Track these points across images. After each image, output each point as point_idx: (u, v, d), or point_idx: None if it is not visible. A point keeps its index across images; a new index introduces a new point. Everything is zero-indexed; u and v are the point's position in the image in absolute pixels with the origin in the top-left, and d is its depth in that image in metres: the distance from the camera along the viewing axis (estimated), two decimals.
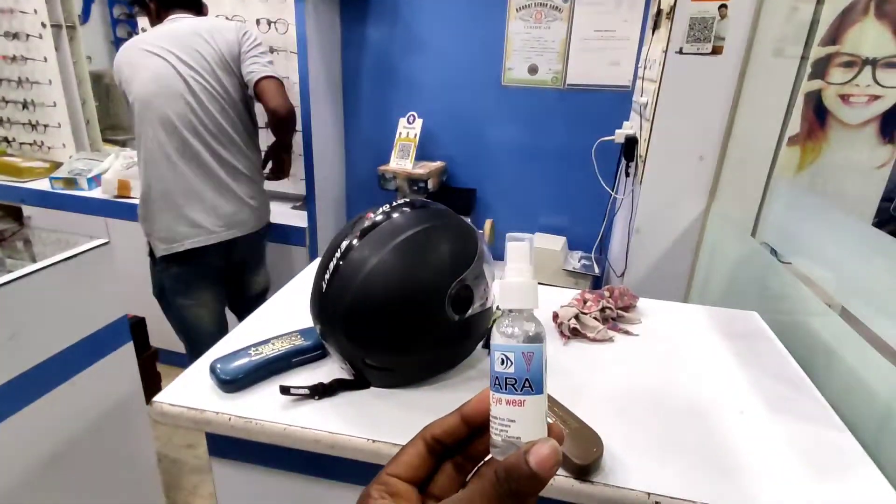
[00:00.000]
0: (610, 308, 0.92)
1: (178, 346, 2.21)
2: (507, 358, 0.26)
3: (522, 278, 0.29)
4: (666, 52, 1.36)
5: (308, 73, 1.87)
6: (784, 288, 1.06)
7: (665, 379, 0.77)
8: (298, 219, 2.06)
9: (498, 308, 0.85)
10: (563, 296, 0.99)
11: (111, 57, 2.85)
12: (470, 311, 0.72)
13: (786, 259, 1.13)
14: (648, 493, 0.56)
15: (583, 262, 1.90)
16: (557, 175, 2.02)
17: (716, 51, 1.35)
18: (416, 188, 1.93)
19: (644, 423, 0.67)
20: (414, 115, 2.00)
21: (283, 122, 1.47)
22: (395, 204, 0.75)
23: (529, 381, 0.26)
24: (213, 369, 0.71)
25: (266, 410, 0.67)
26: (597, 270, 1.84)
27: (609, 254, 1.89)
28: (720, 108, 1.37)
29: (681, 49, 1.35)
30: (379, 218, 0.72)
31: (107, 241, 1.27)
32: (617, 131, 1.67)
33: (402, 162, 1.97)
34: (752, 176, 1.32)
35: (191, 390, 0.70)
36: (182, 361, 2.27)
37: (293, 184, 2.19)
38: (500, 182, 2.11)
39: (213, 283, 1.59)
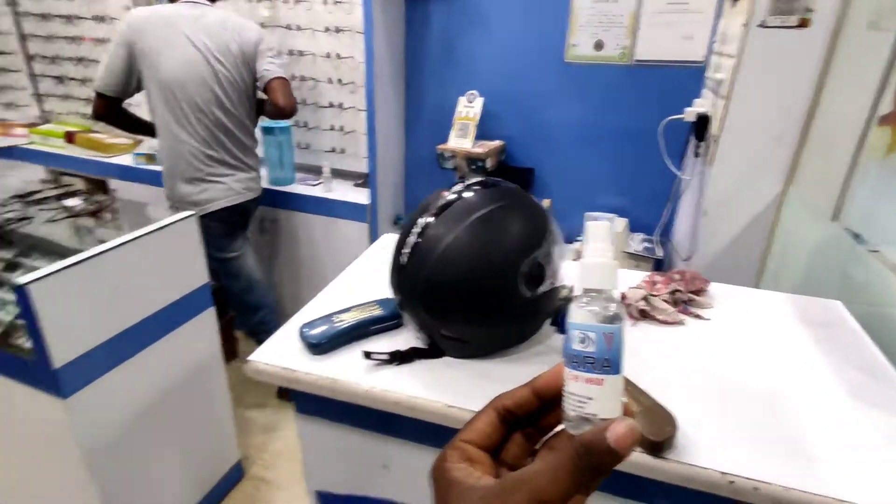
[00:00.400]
0: (681, 291, 0.91)
1: None
2: (588, 337, 0.27)
3: (603, 259, 0.29)
4: (747, 25, 1.29)
5: (374, 54, 1.90)
6: (869, 276, 1.01)
7: (739, 363, 0.76)
8: (360, 196, 2.12)
9: (565, 287, 0.86)
10: (631, 277, 0.99)
11: None
12: (541, 289, 0.73)
13: (872, 246, 1.07)
14: (723, 472, 0.57)
15: (644, 244, 1.86)
16: (620, 155, 1.97)
17: (802, 24, 1.27)
18: (474, 167, 1.94)
19: (718, 404, 0.68)
20: (474, 94, 2.00)
21: (284, 116, 1.75)
22: (468, 183, 0.77)
23: (609, 361, 0.27)
24: (301, 333, 0.77)
25: (349, 373, 0.72)
26: (659, 253, 1.80)
27: (673, 237, 1.85)
28: (804, 86, 1.30)
29: (763, 22, 1.28)
30: (453, 196, 0.75)
31: (192, 213, 1.36)
32: (687, 109, 1.61)
33: (461, 141, 1.98)
34: (835, 158, 1.24)
35: (281, 351, 0.77)
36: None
37: (355, 161, 2.26)
38: (559, 162, 2.08)
39: (240, 236, 1.86)
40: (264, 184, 2.20)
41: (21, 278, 0.99)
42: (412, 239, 0.73)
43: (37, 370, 1.07)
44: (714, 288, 0.98)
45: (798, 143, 1.35)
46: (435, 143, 2.05)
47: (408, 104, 2.25)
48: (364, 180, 2.22)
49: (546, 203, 1.98)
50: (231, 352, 1.61)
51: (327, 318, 0.79)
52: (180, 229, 1.34)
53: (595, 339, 0.27)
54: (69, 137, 2.57)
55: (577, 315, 0.28)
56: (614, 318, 0.27)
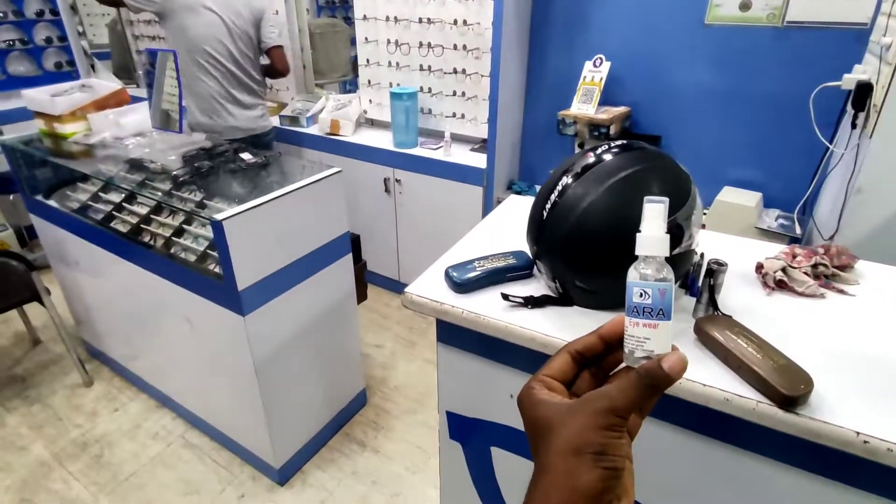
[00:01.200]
0: (825, 265, 0.89)
1: (371, 265, 2.59)
2: (646, 292, 0.34)
3: (657, 232, 0.36)
4: None
5: (502, 18, 1.94)
6: None
7: (884, 339, 0.75)
8: (477, 160, 2.21)
9: (697, 252, 0.88)
10: (766, 249, 0.98)
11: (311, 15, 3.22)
12: (677, 249, 0.77)
13: None
14: (857, 432, 0.59)
15: (780, 221, 1.75)
16: (759, 125, 1.84)
17: None
18: (596, 134, 1.93)
19: (855, 372, 0.68)
20: (601, 58, 1.97)
21: (280, 77, 2.40)
22: (612, 145, 0.82)
23: (662, 310, 0.34)
24: (447, 274, 0.88)
25: (491, 309, 0.82)
26: (798, 231, 1.68)
27: (815, 214, 1.71)
28: None
29: None
30: (594, 159, 0.80)
31: (339, 169, 1.54)
32: (845, 76, 1.46)
33: (583, 107, 1.97)
34: None
35: (430, 288, 0.89)
36: (372, 278, 2.63)
37: (474, 127, 2.35)
38: (688, 130, 1.99)
39: None
40: (390, 146, 2.38)
41: (218, 215, 1.22)
42: (553, 197, 0.80)
43: (225, 291, 1.31)
44: (862, 265, 0.94)
45: None
46: (556, 110, 2.06)
47: (530, 70, 2.27)
48: (482, 145, 2.30)
49: None
50: (362, 295, 1.81)
51: (469, 263, 0.89)
52: (329, 183, 1.52)
53: (651, 293, 0.34)
54: None
55: (634, 275, 0.35)
56: (666, 278, 0.34)
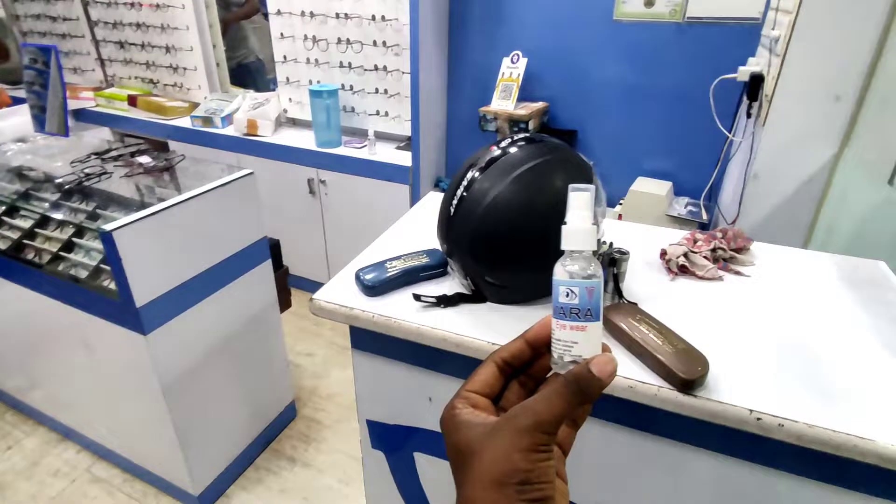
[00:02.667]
0: (723, 248, 0.93)
1: (299, 270, 2.49)
2: (572, 291, 0.31)
3: (583, 224, 0.32)
4: None
5: (419, 15, 1.91)
6: None
7: (775, 317, 0.79)
8: (403, 158, 2.17)
9: (604, 242, 0.90)
10: (670, 235, 1.01)
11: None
12: None
13: None
14: (751, 410, 0.61)
15: (689, 208, 1.84)
16: (668, 116, 1.93)
17: None
18: (516, 129, 1.95)
19: (750, 351, 0.71)
20: (518, 55, 1.99)
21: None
22: (515, 139, 0.81)
23: (591, 311, 0.31)
24: (357, 277, 0.84)
25: (401, 313, 0.79)
26: (704, 217, 1.78)
27: (720, 200, 1.82)
28: (865, 42, 1.24)
29: None
30: (499, 152, 0.79)
31: (251, 171, 1.45)
32: (741, 68, 1.56)
33: (503, 103, 1.98)
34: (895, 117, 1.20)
35: (340, 292, 0.84)
36: (301, 284, 2.54)
37: (398, 124, 2.31)
38: (603, 124, 2.06)
39: None
40: (313, 146, 2.29)
41: (107, 225, 1.11)
42: (460, 192, 0.78)
43: (122, 309, 1.20)
44: (757, 247, 0.99)
45: (857, 103, 1.30)
46: (477, 106, 2.07)
47: (451, 66, 2.26)
48: (407, 143, 2.26)
49: None
50: (286, 302, 1.73)
51: (381, 264, 0.86)
52: (240, 186, 1.43)
53: (578, 293, 0.31)
54: (131, 100, 2.72)
55: (561, 273, 0.31)
56: (594, 275, 0.31)
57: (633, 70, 1.93)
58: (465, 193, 0.77)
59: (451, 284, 0.87)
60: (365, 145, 2.25)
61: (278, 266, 1.67)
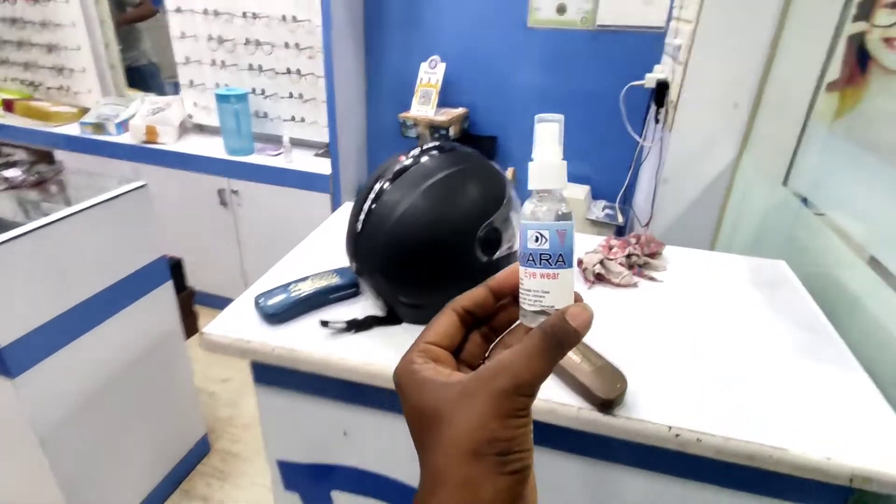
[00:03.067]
0: (636, 255, 0.93)
1: (214, 288, 2.31)
2: (542, 235, 0.28)
3: (553, 159, 0.29)
4: None
5: (331, 16, 1.82)
6: (813, 239, 1.05)
7: (689, 323, 0.79)
8: (322, 165, 2.07)
9: None
10: (588, 242, 1.01)
11: None
12: (498, 254, 0.74)
13: (818, 210, 1.12)
14: (669, 427, 0.59)
15: (606, 211, 1.89)
16: (583, 122, 1.98)
17: None
18: (437, 136, 1.92)
19: (667, 363, 0.70)
20: (436, 60, 1.96)
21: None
22: (425, 147, 0.76)
23: (562, 256, 0.28)
24: (257, 303, 0.76)
25: (307, 342, 0.71)
26: (620, 220, 1.83)
27: (634, 203, 1.88)
28: (758, 52, 1.32)
29: None
30: (410, 161, 0.74)
31: (144, 183, 1.30)
32: (647, 76, 1.62)
33: (423, 108, 1.94)
34: (787, 123, 1.28)
35: (237, 323, 0.75)
36: (216, 303, 2.36)
37: (316, 130, 2.20)
38: (523, 129, 2.07)
39: None
40: (224, 154, 2.13)
41: None
42: (367, 205, 0.72)
43: None
44: (668, 251, 1.00)
45: (752, 108, 1.38)
46: (398, 111, 2.01)
47: (369, 70, 2.18)
48: (326, 150, 2.16)
49: (510, 172, 1.98)
50: (192, 326, 1.58)
51: (284, 287, 0.78)
52: (132, 200, 1.28)
53: (549, 237, 0.28)
54: (7, 105, 2.40)
55: (529, 214, 0.28)
56: (566, 216, 0.28)
57: (549, 76, 1.96)
58: (372, 207, 0.71)
59: (365, 306, 0.80)
60: (280, 153, 2.13)
61: (182, 288, 1.52)
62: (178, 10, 2.19)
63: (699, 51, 1.34)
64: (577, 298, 0.29)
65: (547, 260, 0.28)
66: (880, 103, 1.33)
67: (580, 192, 1.90)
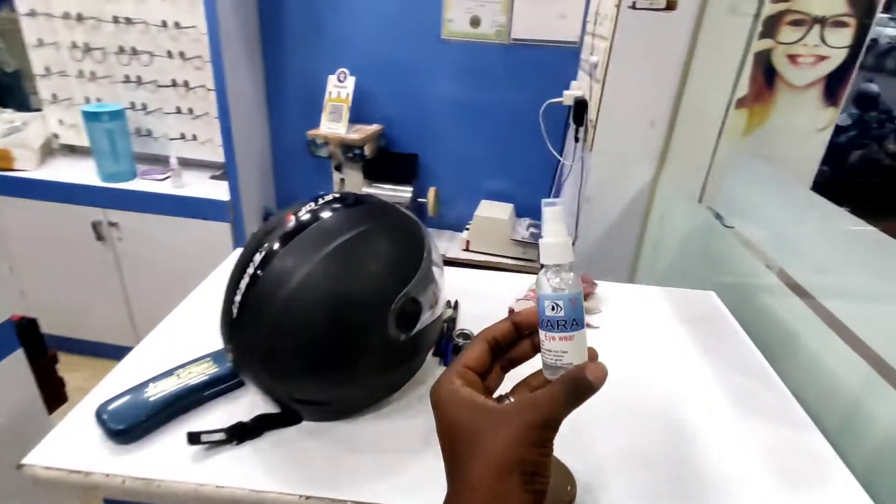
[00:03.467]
0: None
1: (98, 336, 1.99)
2: (558, 305, 0.32)
3: (560, 238, 0.33)
4: (619, 6, 1.25)
5: (218, 22, 1.61)
6: (727, 252, 1.04)
7: (631, 381, 0.71)
8: (219, 190, 1.84)
9: (449, 307, 0.75)
10: (516, 284, 0.91)
11: None
12: (418, 326, 0.61)
13: (728, 223, 1.11)
14: None
15: (531, 230, 1.83)
16: (504, 138, 1.91)
17: (670, 6, 1.25)
18: (351, 155, 1.76)
19: (613, 438, 0.61)
20: (345, 73, 1.80)
21: None
22: (323, 202, 0.61)
23: (576, 321, 0.32)
24: (99, 417, 0.57)
25: (171, 465, 0.54)
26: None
27: None
28: (673, 70, 1.30)
29: (634, 3, 1.25)
30: (304, 218, 0.59)
31: None
32: (566, 93, 1.57)
33: (333, 126, 1.78)
34: (701, 141, 1.27)
35: (74, 445, 0.56)
36: (103, 351, 2.04)
37: (211, 150, 1.95)
38: (443, 146, 1.96)
39: None
40: (94, 181, 1.82)
41: None
42: (247, 279, 0.56)
43: None
44: (602, 288, 0.93)
45: (669, 127, 1.36)
46: (307, 128, 1.83)
47: (269, 83, 1.98)
48: (222, 171, 1.93)
49: (432, 191, 1.87)
50: (58, 397, 1.30)
51: (139, 388, 0.60)
52: None
53: (563, 305, 0.32)
54: None
55: (545, 287, 0.33)
56: (575, 285, 0.33)
57: (467, 91, 1.86)
58: (254, 281, 0.56)
59: (254, 400, 0.64)
60: (168, 176, 1.86)
61: (40, 353, 1.24)
62: (33, 14, 1.85)
63: (615, 69, 1.30)
64: (592, 354, 0.33)
65: (563, 325, 0.32)
66: (785, 119, 1.37)
67: (503, 211, 1.83)
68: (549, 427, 0.30)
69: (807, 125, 1.36)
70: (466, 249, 1.83)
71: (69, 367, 1.46)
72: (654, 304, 0.92)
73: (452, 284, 0.89)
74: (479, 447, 0.30)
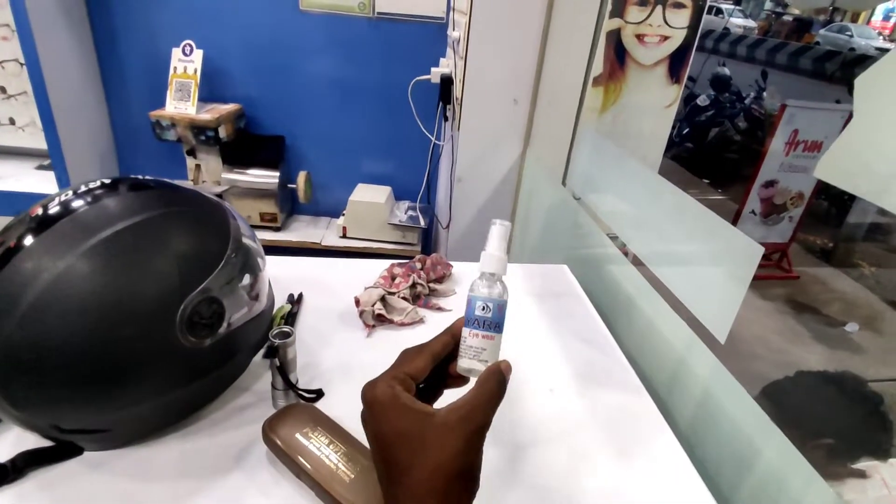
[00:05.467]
0: (421, 283, 0.81)
1: None
2: (488, 306, 0.37)
3: (499, 253, 0.39)
4: None
5: None
6: (584, 229, 1.07)
7: None
8: (44, 182, 1.57)
9: (292, 302, 0.68)
10: (367, 272, 0.85)
11: None
12: (225, 328, 0.53)
13: (579, 195, 1.14)
14: None
15: (409, 213, 1.79)
16: (377, 117, 1.83)
17: None
18: (203, 138, 1.59)
19: None
20: (191, 45, 1.61)
21: None
22: (87, 186, 0.51)
23: (498, 325, 0.38)
24: None
25: None
26: (423, 223, 1.75)
27: (436, 203, 1.81)
28: (531, 47, 1.31)
29: None
30: (62, 208, 0.48)
31: None
32: (433, 69, 1.53)
33: (181, 105, 1.59)
34: (561, 119, 1.30)
35: None
36: None
37: (30, 135, 1.67)
38: (313, 127, 1.85)
39: None
40: None
41: None
42: None
43: None
44: (458, 268, 0.91)
45: (531, 105, 1.37)
46: (150, 108, 1.62)
47: (101, 56, 1.72)
48: (50, 161, 1.65)
49: (303, 175, 1.75)
50: None
51: None
52: None
53: (492, 308, 0.37)
54: None
55: (480, 289, 0.38)
56: (503, 294, 0.38)
57: (334, 68, 1.76)
58: None
59: (18, 432, 0.52)
60: None
61: None
62: None
63: (476, 45, 1.28)
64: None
65: (488, 325, 0.37)
66: (637, 96, 1.44)
67: (381, 194, 1.76)
68: (486, 429, 0.33)
69: (656, 102, 1.45)
70: (344, 236, 1.75)
71: None
72: (512, 280, 0.91)
73: (302, 277, 0.81)
74: (424, 456, 0.31)
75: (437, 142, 1.62)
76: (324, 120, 1.83)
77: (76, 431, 0.49)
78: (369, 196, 1.75)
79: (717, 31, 9.30)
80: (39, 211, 0.48)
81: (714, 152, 4.46)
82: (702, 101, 4.50)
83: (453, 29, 1.50)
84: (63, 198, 0.49)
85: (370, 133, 1.86)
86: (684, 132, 4.54)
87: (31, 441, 0.51)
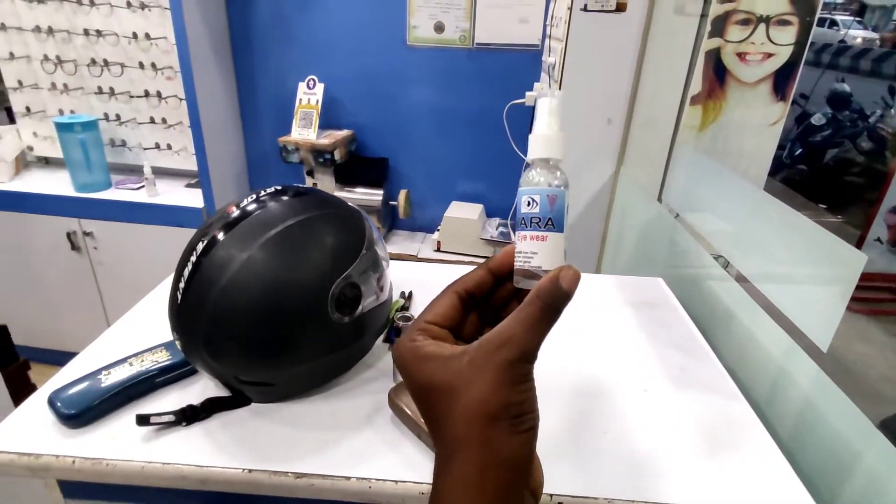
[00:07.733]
0: None
1: (77, 346, 1.98)
2: (533, 199, 0.30)
3: (550, 131, 0.31)
4: (571, 8, 1.30)
5: (186, 32, 1.64)
6: (682, 245, 1.08)
7: (574, 361, 0.75)
8: (193, 198, 1.86)
9: (403, 297, 0.78)
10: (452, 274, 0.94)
11: None
12: (360, 310, 0.64)
13: (676, 212, 1.15)
14: (551, 495, 0.53)
15: (500, 229, 1.87)
16: (472, 140, 1.95)
17: (619, 7, 1.31)
18: (321, 160, 1.79)
19: (550, 415, 0.64)
20: (314, 80, 1.84)
21: None
22: (265, 192, 0.65)
23: (552, 220, 0.30)
24: (52, 403, 0.59)
25: (121, 446, 0.57)
26: (513, 238, 1.82)
27: None
28: (626, 69, 1.35)
29: (585, 6, 1.30)
30: (248, 209, 0.62)
31: None
32: (528, 94, 1.62)
33: (304, 131, 1.81)
34: (657, 137, 1.32)
35: (27, 430, 0.58)
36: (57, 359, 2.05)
37: (185, 159, 1.98)
38: (413, 149, 2.00)
39: None
40: (69, 191, 1.84)
41: None
42: (190, 266, 0.59)
43: None
44: None
45: (626, 124, 1.41)
46: (279, 135, 1.86)
47: (241, 91, 2.01)
48: (197, 180, 1.95)
49: (403, 193, 1.90)
50: None
51: (91, 375, 0.62)
52: None
53: (539, 201, 0.30)
54: None
55: (524, 182, 0.31)
56: (557, 184, 0.30)
57: (434, 95, 1.91)
58: (195, 269, 0.59)
59: (206, 385, 0.67)
60: (142, 185, 1.88)
61: (11, 359, 1.26)
62: (3, 28, 1.87)
63: (571, 68, 1.35)
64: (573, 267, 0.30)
65: (537, 223, 0.30)
66: (738, 114, 1.42)
67: (473, 211, 1.87)
68: (526, 360, 0.28)
69: (758, 120, 1.42)
70: (438, 250, 1.87)
71: (44, 378, 1.46)
72: (606, 291, 0.95)
73: (410, 279, 0.92)
74: (454, 402, 0.27)
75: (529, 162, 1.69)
76: (424, 143, 1.98)
77: (250, 383, 0.61)
78: (463, 213, 1.86)
79: (833, 46, 8.53)
80: (234, 210, 0.62)
81: (832, 175, 4.09)
82: (817, 119, 4.16)
83: (548, 55, 1.58)
84: (249, 200, 0.63)
85: (465, 154, 1.98)
86: (796, 153, 4.22)
87: (214, 391, 0.65)
